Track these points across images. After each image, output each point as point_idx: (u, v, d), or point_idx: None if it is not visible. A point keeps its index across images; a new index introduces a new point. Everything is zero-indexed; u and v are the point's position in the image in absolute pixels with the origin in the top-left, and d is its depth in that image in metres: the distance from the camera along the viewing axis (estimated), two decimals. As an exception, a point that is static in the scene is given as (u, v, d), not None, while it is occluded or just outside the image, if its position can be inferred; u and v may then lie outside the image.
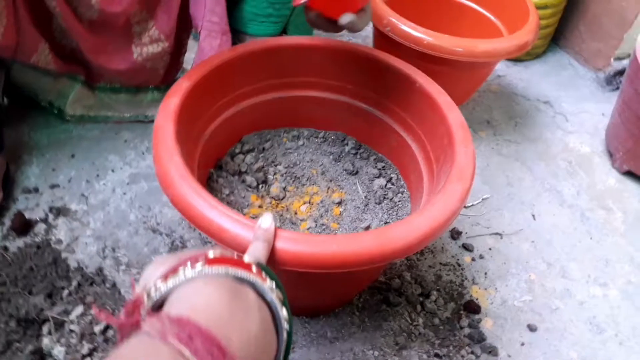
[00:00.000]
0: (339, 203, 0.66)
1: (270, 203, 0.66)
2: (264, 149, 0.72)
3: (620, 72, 1.14)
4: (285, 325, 0.31)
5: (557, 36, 1.27)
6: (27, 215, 0.71)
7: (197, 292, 0.27)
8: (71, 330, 0.59)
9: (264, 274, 0.31)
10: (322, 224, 0.63)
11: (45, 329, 0.59)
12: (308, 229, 0.63)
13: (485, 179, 0.90)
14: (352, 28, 0.57)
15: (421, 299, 0.69)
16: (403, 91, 0.64)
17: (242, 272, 0.30)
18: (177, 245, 0.71)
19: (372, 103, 0.69)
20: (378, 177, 0.70)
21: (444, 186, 0.49)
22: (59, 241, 0.69)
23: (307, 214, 0.65)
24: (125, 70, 0.78)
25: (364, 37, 1.19)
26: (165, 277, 0.28)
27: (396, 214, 0.65)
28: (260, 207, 0.65)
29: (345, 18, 0.55)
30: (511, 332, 0.68)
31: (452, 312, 0.69)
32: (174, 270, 0.28)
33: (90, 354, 0.58)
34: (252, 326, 0.27)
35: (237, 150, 0.70)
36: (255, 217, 0.62)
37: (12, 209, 0.72)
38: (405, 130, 0.66)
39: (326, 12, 0.58)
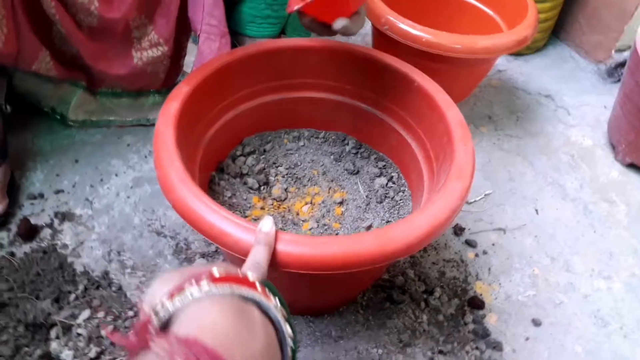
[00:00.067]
0: (341, 203, 0.67)
1: (272, 204, 0.66)
2: (264, 150, 0.72)
3: (622, 64, 1.13)
4: (290, 342, 0.31)
5: (558, 29, 1.27)
6: (32, 221, 0.72)
7: (204, 312, 0.28)
8: (79, 334, 0.60)
9: (267, 291, 0.32)
10: (324, 224, 0.63)
11: (53, 333, 0.60)
12: (310, 229, 0.63)
13: (487, 174, 0.90)
14: (346, 32, 0.58)
15: (425, 296, 0.69)
16: (401, 90, 0.64)
17: (247, 291, 0.30)
18: (182, 247, 0.72)
19: (371, 103, 0.70)
20: (379, 176, 0.70)
21: (444, 184, 0.50)
22: (65, 246, 0.70)
23: (309, 215, 0.65)
24: (126, 75, 0.78)
25: (363, 36, 1.19)
26: (171, 296, 0.29)
27: (398, 213, 0.65)
28: (262, 208, 0.65)
29: (339, 23, 0.56)
30: (515, 327, 0.68)
31: (456, 309, 0.69)
32: (179, 289, 0.29)
33: (97, 357, 0.59)
34: (257, 344, 0.28)
35: (238, 153, 0.70)
36: (257, 219, 0.62)
37: (17, 215, 0.73)
38: (405, 129, 0.67)
39: (320, 17, 0.59)
